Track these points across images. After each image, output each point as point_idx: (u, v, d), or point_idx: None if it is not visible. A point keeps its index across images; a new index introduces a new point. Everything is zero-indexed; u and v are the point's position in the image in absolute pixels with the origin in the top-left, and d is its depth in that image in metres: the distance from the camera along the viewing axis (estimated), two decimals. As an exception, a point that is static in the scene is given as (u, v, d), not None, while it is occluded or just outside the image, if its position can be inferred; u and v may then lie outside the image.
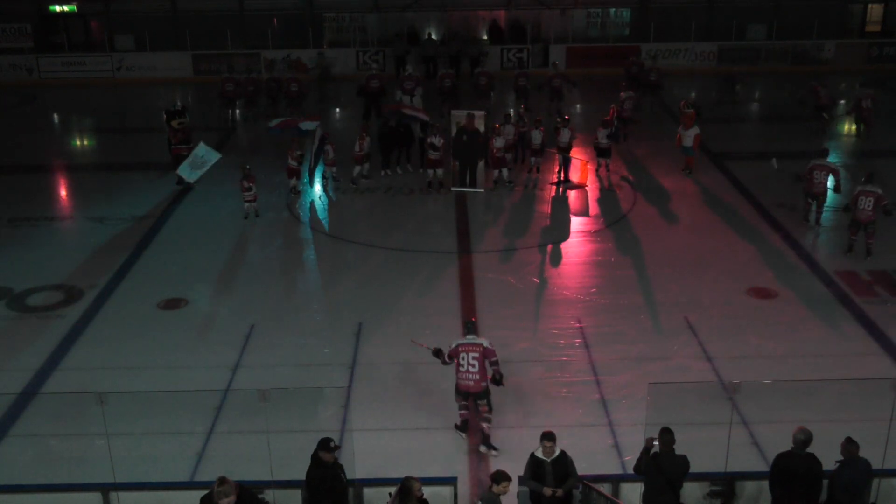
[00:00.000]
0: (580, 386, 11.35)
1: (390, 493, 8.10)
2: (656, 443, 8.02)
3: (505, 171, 18.98)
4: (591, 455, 9.57)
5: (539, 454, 8.30)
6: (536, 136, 19.35)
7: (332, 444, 8.05)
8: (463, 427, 10.17)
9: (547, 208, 18.16)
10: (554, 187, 19.18)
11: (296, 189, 18.79)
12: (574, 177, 19.38)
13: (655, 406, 9.40)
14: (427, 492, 7.95)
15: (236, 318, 13.34)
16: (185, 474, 9.63)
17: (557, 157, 19.53)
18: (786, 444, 8.05)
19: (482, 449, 9.99)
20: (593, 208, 18.09)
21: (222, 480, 7.29)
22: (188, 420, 10.60)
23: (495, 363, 9.88)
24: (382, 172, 19.91)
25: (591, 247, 16.09)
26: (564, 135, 19.20)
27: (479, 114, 18.80)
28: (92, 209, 18.23)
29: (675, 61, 31.08)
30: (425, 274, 14.89)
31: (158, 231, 16.97)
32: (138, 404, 10.48)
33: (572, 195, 18.76)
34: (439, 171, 18.82)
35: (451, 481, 8.58)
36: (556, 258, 15.70)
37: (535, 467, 8.28)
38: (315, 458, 8.06)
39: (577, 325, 12.97)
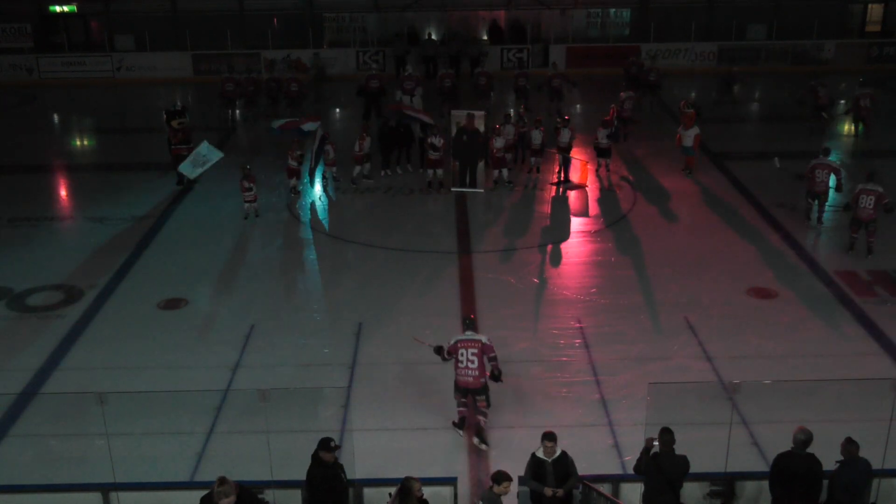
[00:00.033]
0: (580, 386, 11.35)
1: (390, 493, 8.10)
2: (656, 443, 8.02)
3: (505, 172, 18.98)
4: (591, 455, 9.56)
5: (540, 454, 8.30)
6: (536, 137, 19.36)
7: (332, 444, 8.05)
8: (460, 424, 10.22)
9: (547, 208, 18.16)
10: (554, 187, 19.18)
11: (296, 189, 18.79)
12: (574, 177, 19.38)
13: (655, 406, 9.40)
14: (427, 492, 7.96)
15: (236, 318, 13.34)
16: (185, 474, 9.63)
17: (557, 157, 19.54)
18: (786, 444, 8.05)
19: (475, 441, 10.05)
20: (593, 208, 18.09)
21: (222, 480, 7.29)
22: (188, 420, 10.60)
23: (493, 359, 9.95)
24: (382, 172, 19.91)
25: (591, 247, 16.09)
26: (564, 135, 19.21)
27: (479, 114, 18.80)
28: (92, 209, 18.23)
29: (675, 61, 31.09)
30: (425, 274, 14.89)
31: (158, 231, 16.97)
32: (138, 404, 10.48)
33: (572, 195, 18.76)
34: (439, 171, 18.82)
35: (451, 481, 8.58)
36: (556, 258, 15.70)
37: (536, 467, 8.27)
38: (315, 457, 8.06)
39: (577, 325, 12.97)
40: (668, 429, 7.99)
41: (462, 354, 9.88)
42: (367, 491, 8.58)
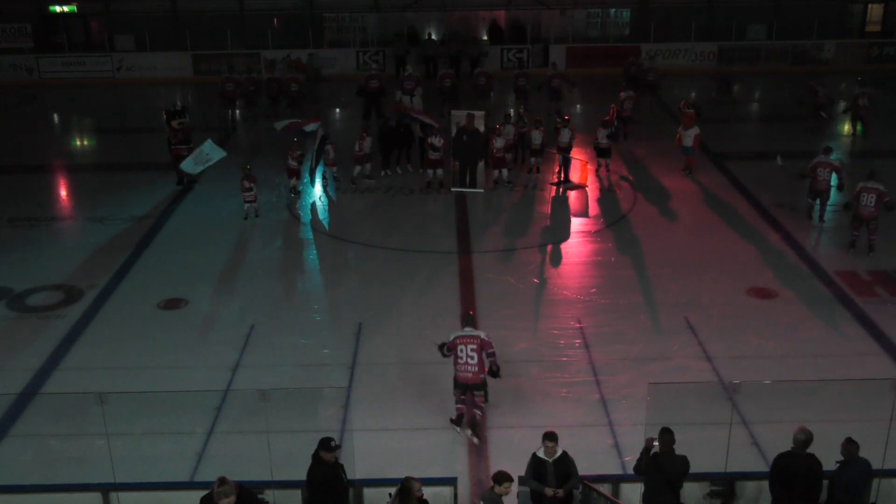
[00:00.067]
0: (580, 386, 11.35)
1: (390, 494, 8.10)
2: (656, 443, 8.02)
3: (505, 172, 18.98)
4: (591, 455, 9.56)
5: (541, 454, 8.31)
6: (536, 137, 19.36)
7: (332, 444, 8.06)
8: (458, 421, 10.29)
9: (547, 208, 18.16)
10: (554, 187, 19.17)
11: (296, 189, 18.79)
12: (574, 177, 19.37)
13: (655, 406, 9.40)
14: (427, 492, 7.95)
15: (236, 318, 13.35)
16: (185, 474, 9.63)
17: (557, 157, 19.54)
18: (786, 444, 8.05)
19: (468, 433, 10.11)
20: (593, 208, 18.09)
21: (222, 481, 7.29)
22: (188, 420, 10.60)
23: (492, 354, 10.05)
24: (382, 172, 19.91)
25: (591, 247, 16.09)
26: (564, 135, 19.21)
27: (479, 114, 18.81)
28: (92, 209, 18.23)
29: (675, 61, 31.09)
30: (425, 274, 14.89)
31: (158, 231, 16.97)
32: (138, 404, 10.48)
33: (572, 195, 18.76)
34: (439, 172, 18.81)
35: (451, 481, 8.58)
36: (556, 258, 15.70)
37: (536, 467, 8.28)
38: (316, 457, 8.06)
39: (577, 325, 12.97)
40: (668, 429, 7.99)
41: (461, 350, 9.97)
42: (367, 491, 8.58)
